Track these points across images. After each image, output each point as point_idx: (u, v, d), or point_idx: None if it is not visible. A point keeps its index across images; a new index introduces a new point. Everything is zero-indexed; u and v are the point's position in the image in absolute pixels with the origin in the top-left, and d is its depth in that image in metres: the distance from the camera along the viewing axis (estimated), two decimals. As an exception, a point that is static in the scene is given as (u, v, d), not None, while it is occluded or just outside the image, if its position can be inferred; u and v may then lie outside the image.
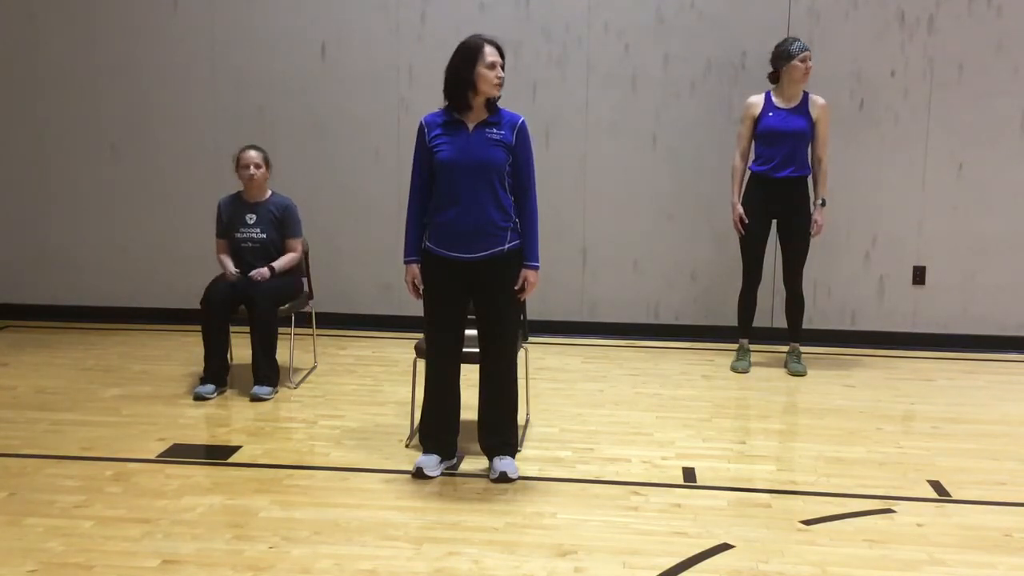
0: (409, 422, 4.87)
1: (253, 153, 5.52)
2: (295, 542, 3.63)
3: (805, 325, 6.17)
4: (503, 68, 4.09)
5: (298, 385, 5.63)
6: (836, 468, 4.45)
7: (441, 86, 4.13)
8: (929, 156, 6.51)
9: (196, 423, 5.00)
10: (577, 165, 6.74)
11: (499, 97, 4.13)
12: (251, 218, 5.54)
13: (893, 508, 3.99)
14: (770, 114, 5.84)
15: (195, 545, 3.60)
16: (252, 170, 5.49)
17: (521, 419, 4.68)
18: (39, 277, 7.16)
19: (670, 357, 6.37)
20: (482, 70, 4.03)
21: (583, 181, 6.75)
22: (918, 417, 5.26)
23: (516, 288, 4.21)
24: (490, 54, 4.05)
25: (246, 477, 4.27)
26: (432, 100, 4.36)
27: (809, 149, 5.89)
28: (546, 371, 5.96)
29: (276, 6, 6.79)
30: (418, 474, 4.26)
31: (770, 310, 6.61)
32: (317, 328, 6.05)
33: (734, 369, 6.04)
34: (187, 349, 6.25)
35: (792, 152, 5.81)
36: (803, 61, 5.76)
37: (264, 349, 5.37)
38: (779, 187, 5.85)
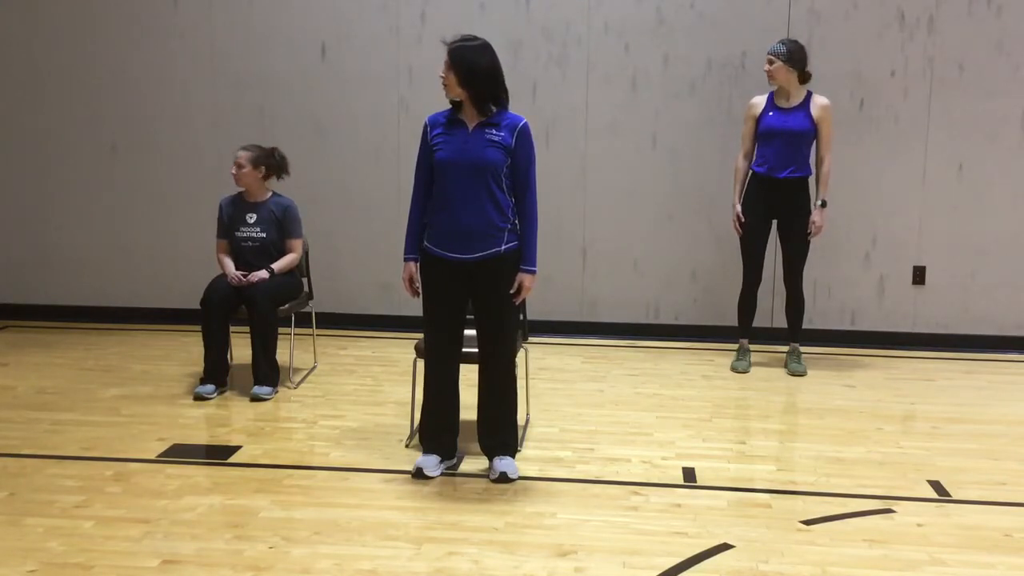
0: (409, 422, 4.87)
1: (240, 152, 5.54)
2: (295, 542, 3.63)
3: (805, 325, 6.16)
4: (446, 67, 4.08)
5: (298, 385, 5.63)
6: (836, 468, 4.45)
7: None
8: (929, 156, 6.51)
9: (196, 423, 5.00)
10: (577, 165, 6.74)
11: (455, 99, 4.12)
12: (251, 217, 5.54)
13: (893, 508, 3.99)
14: (770, 114, 5.85)
15: (195, 545, 3.60)
16: (234, 169, 5.51)
17: (521, 419, 4.68)
18: (39, 277, 7.16)
19: (670, 357, 6.37)
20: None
21: (583, 181, 6.75)
22: (918, 417, 5.26)
23: (511, 292, 4.21)
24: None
25: (246, 477, 4.27)
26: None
27: (812, 150, 5.89)
28: (546, 371, 5.96)
29: (276, 6, 6.79)
30: (418, 474, 4.26)
31: (770, 310, 6.61)
32: (317, 328, 6.05)
33: (734, 369, 6.04)
34: (187, 349, 6.25)
35: (791, 152, 5.80)
36: (767, 63, 5.78)
37: (264, 349, 5.37)
38: (779, 187, 5.85)
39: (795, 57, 5.76)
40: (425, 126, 4.21)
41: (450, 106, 4.19)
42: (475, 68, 4.05)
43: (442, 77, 4.09)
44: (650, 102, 6.65)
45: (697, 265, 6.75)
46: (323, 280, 6.43)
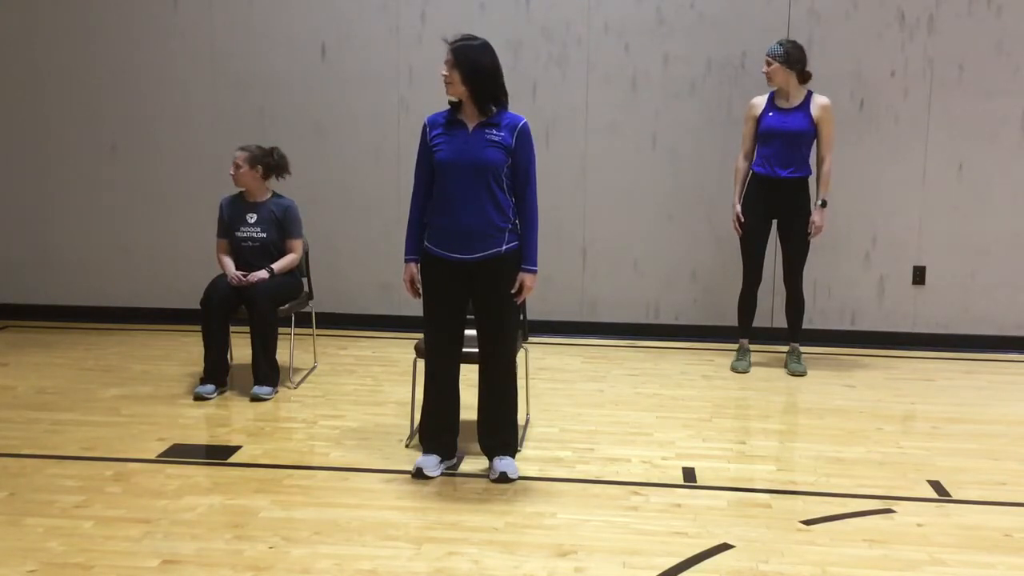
0: (409, 422, 4.87)
1: (237, 152, 5.55)
2: (295, 542, 3.63)
3: (805, 325, 6.16)
4: (448, 65, 4.08)
5: (298, 385, 5.63)
6: (836, 468, 4.45)
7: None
8: (929, 156, 6.51)
9: (196, 423, 5.00)
10: (577, 165, 6.74)
11: (454, 100, 4.13)
12: (252, 217, 5.54)
13: (893, 508, 3.99)
14: (770, 114, 5.85)
15: (195, 545, 3.60)
16: (232, 169, 5.53)
17: (521, 419, 4.68)
18: (39, 277, 7.16)
19: (670, 357, 6.37)
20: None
21: (583, 181, 6.75)
22: (918, 417, 5.26)
23: (512, 292, 4.21)
24: (446, 55, 4.10)
25: (246, 477, 4.27)
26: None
27: (813, 149, 5.88)
28: (546, 371, 5.95)
29: (276, 6, 6.79)
30: (418, 474, 4.26)
31: (770, 310, 6.61)
32: (317, 328, 6.05)
33: (734, 369, 6.04)
34: (187, 349, 6.25)
35: (791, 152, 5.80)
36: (765, 64, 5.80)
37: (264, 349, 5.37)
38: (779, 187, 5.85)
39: (792, 58, 5.76)
40: (424, 126, 4.22)
41: (448, 107, 4.19)
42: (478, 66, 4.05)
43: (444, 76, 4.09)
44: (650, 102, 6.65)
45: (697, 265, 6.75)
46: (323, 280, 6.43)
